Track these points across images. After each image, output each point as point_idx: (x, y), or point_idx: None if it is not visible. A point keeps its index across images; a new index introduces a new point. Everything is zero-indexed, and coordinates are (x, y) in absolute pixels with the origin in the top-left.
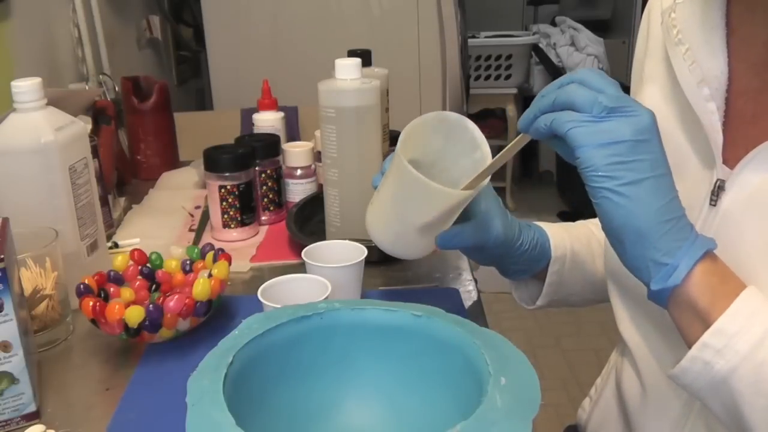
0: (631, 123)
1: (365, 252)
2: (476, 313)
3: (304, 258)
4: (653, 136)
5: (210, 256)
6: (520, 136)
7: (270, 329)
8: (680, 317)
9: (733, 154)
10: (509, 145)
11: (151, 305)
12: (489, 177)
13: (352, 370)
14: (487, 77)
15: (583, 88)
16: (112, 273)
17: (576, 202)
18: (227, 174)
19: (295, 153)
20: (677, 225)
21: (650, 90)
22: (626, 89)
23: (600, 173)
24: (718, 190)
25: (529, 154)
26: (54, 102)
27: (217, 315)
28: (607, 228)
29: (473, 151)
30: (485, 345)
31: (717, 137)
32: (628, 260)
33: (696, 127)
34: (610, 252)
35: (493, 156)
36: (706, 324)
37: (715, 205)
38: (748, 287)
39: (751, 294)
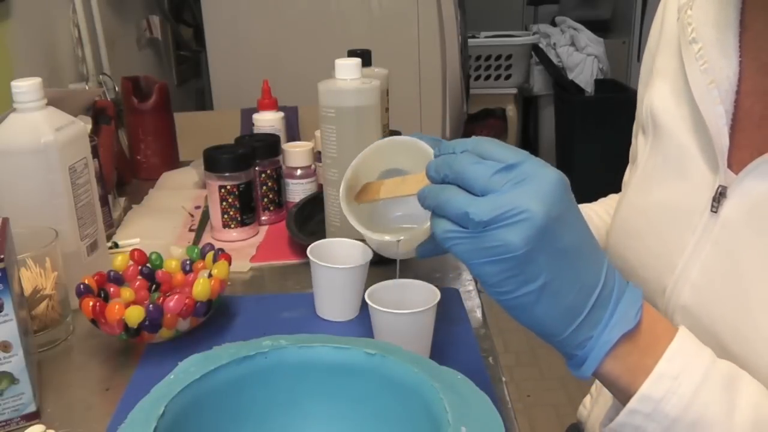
0: (518, 231)
1: (371, 254)
2: (476, 313)
3: (309, 256)
4: (555, 224)
5: (210, 256)
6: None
7: (208, 372)
8: (606, 387)
9: (737, 158)
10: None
11: (151, 305)
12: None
13: (300, 414)
14: (487, 77)
15: (474, 169)
16: (112, 273)
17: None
18: (227, 174)
19: (295, 153)
20: (588, 316)
21: (660, 86)
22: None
23: (493, 287)
24: (719, 197)
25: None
26: (54, 102)
27: (217, 315)
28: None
29: None
30: (445, 388)
31: (723, 142)
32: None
33: (703, 129)
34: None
35: None
36: (630, 395)
37: (716, 212)
38: (673, 342)
39: (676, 351)
